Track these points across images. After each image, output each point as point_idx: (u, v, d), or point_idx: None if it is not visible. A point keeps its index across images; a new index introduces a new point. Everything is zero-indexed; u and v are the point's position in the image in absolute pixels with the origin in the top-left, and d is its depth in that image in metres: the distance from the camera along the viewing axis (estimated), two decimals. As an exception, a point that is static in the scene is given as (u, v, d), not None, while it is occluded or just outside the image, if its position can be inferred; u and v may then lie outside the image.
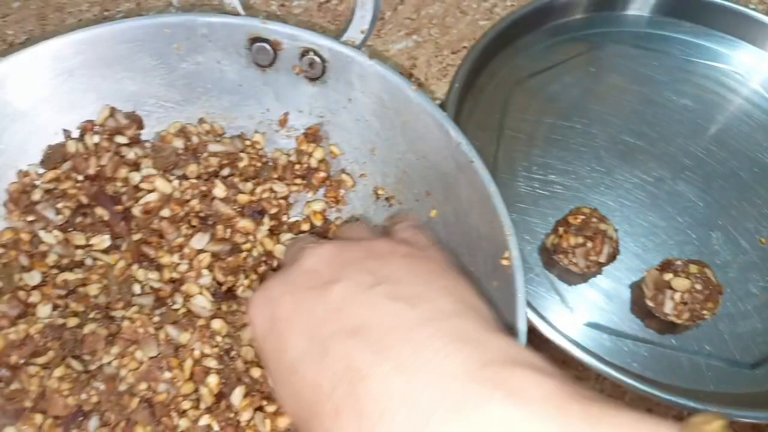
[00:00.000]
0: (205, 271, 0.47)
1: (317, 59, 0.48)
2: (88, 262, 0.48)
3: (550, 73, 0.68)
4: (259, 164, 0.53)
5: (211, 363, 0.42)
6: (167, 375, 0.41)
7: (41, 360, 0.43)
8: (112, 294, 0.47)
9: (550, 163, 0.62)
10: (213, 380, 0.42)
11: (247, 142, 0.53)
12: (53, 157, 0.49)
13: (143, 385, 0.41)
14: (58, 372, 0.42)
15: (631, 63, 0.69)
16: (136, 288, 0.47)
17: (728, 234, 0.59)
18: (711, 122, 0.66)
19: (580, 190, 0.61)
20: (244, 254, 0.49)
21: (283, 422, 0.44)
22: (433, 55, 0.69)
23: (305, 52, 0.48)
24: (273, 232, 0.51)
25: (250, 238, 0.49)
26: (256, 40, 0.49)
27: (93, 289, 0.47)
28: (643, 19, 0.72)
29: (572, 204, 0.57)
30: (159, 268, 0.48)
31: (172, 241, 0.48)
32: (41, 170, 0.49)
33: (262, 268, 0.49)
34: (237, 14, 0.48)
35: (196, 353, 0.43)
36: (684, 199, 0.61)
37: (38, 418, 0.41)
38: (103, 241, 0.48)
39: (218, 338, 0.44)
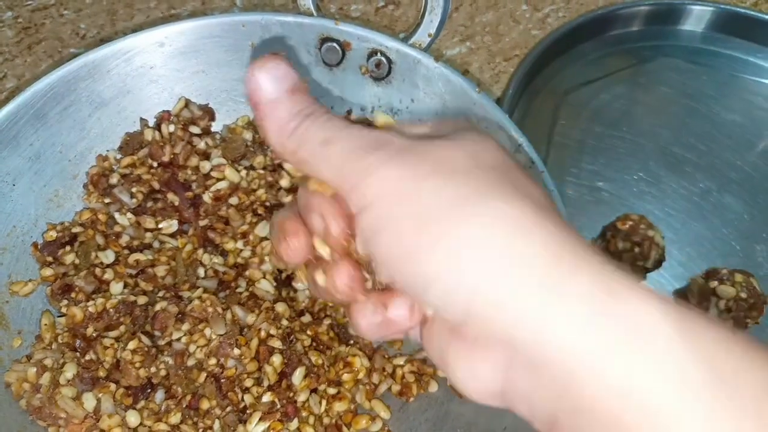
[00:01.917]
0: (267, 258, 0.50)
1: (384, 60, 0.50)
2: (156, 245, 0.51)
3: (600, 83, 0.69)
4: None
5: (276, 343, 0.45)
6: (236, 352, 0.44)
7: (114, 333, 0.46)
8: (178, 276, 0.50)
9: (598, 170, 0.64)
10: (277, 359, 0.44)
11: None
12: (131, 143, 0.52)
13: (212, 361, 0.44)
14: (132, 345, 0.44)
15: (680, 77, 0.71)
16: (201, 271, 0.50)
17: (773, 247, 0.60)
18: (759, 138, 0.67)
19: (627, 198, 0.62)
20: (305, 243, 0.51)
21: (340, 406, 0.46)
22: (486, 61, 0.71)
23: (373, 53, 0.51)
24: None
25: (312, 228, 0.51)
26: (326, 40, 0.51)
27: (161, 270, 0.49)
28: (696, 34, 0.73)
29: (618, 211, 0.59)
30: (223, 253, 0.51)
31: (237, 228, 0.51)
32: (119, 156, 0.52)
33: (321, 258, 0.51)
34: (311, 15, 0.50)
35: (262, 333, 0.45)
36: (730, 212, 0.62)
37: (112, 387, 0.44)
38: (171, 225, 0.51)
39: (282, 321, 0.46)
